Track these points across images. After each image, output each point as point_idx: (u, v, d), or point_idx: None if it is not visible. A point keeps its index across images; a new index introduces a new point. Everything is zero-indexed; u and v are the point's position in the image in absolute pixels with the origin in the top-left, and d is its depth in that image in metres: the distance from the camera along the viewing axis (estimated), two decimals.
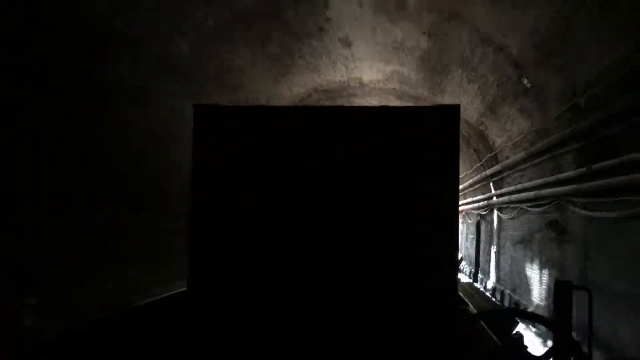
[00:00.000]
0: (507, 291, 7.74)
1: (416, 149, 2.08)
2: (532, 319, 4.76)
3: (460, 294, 4.45)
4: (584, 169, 4.44)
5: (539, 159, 5.69)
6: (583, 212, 4.63)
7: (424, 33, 5.81)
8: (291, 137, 2.16)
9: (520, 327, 5.10)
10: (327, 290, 2.10)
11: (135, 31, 4.36)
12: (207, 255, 2.19)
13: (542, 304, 5.97)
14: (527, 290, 6.63)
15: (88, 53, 4.04)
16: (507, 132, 6.59)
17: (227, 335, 2.09)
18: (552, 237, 5.60)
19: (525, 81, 5.11)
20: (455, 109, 2.08)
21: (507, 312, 5.17)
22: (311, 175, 2.14)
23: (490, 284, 9.07)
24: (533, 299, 6.34)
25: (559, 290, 2.25)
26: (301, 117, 2.27)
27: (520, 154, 6.24)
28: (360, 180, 2.11)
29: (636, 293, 3.69)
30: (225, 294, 2.16)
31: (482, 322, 2.76)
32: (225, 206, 2.19)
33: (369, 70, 7.75)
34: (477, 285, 10.27)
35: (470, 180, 10.05)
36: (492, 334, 2.47)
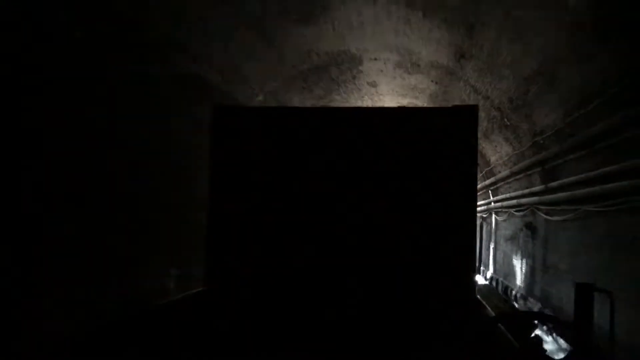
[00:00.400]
0: (501, 279, 9.58)
1: (435, 149, 2.06)
2: (552, 322, 4.96)
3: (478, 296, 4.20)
4: (543, 186, 6.31)
5: (519, 176, 7.56)
6: (544, 216, 6.49)
7: (432, 81, 7.75)
8: (309, 136, 2.14)
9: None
10: (344, 289, 2.09)
11: (227, 87, 6.43)
12: (225, 255, 2.17)
13: (522, 285, 7.82)
14: (513, 276, 8.48)
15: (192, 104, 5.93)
16: (498, 153, 8.45)
17: (245, 334, 2.06)
18: (528, 235, 7.46)
19: (506, 120, 7.00)
20: (473, 110, 2.07)
21: (527, 315, 5.20)
22: (329, 174, 2.12)
23: (489, 274, 10.89)
24: (516, 282, 8.20)
25: (580, 293, 2.12)
26: (320, 117, 2.26)
27: (507, 171, 8.11)
28: (378, 178, 2.09)
29: (569, 269, 5.57)
30: (243, 293, 2.13)
31: (500, 325, 2.72)
32: (243, 205, 2.17)
33: (390, 101, 9.70)
34: (480, 276, 12.09)
35: None
36: (510, 337, 2.36)
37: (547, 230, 6.55)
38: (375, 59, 7.23)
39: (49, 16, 3.20)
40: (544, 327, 5.80)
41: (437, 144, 2.07)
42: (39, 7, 3.08)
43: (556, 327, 5.50)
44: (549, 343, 5.56)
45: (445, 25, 5.60)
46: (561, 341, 5.46)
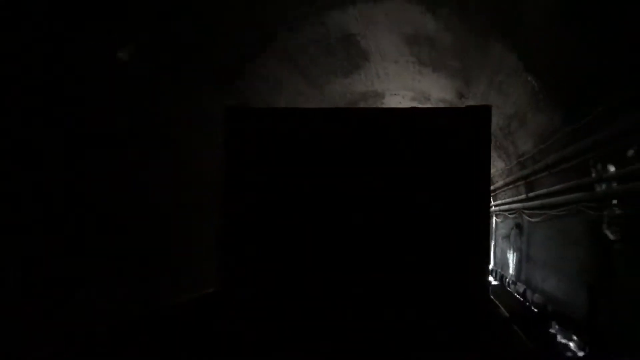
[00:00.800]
0: (499, 270, 11.46)
1: (449, 149, 2.07)
2: (565, 322, 4.88)
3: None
4: (525, 195, 8.24)
5: (510, 186, 9.47)
6: (527, 218, 8.41)
7: None
8: (323, 137, 2.14)
9: None
10: (357, 291, 2.09)
11: None
12: (240, 257, 2.18)
13: (513, 273, 9.73)
14: (507, 266, 10.38)
15: None
16: (494, 167, 10.38)
17: (255, 334, 2.08)
18: (517, 233, 9.36)
19: (499, 143, 8.94)
20: (486, 110, 2.08)
21: (540, 315, 5.38)
22: (342, 174, 2.13)
23: (490, 267, 12.79)
24: (509, 271, 10.11)
25: (592, 294, 1.96)
26: (333, 118, 2.28)
27: (501, 182, 10.03)
28: (391, 179, 2.11)
29: (541, 258, 7.49)
30: (255, 294, 2.15)
31: (514, 325, 2.60)
32: (256, 207, 2.17)
33: None
34: None
35: None
36: (524, 336, 2.26)
37: (529, 229, 8.46)
38: (395, 94, 9.27)
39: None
40: (558, 327, 5.68)
41: (451, 144, 2.08)
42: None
43: (570, 326, 5.36)
44: (563, 342, 5.38)
45: (449, 78, 7.60)
46: (575, 340, 5.19)
